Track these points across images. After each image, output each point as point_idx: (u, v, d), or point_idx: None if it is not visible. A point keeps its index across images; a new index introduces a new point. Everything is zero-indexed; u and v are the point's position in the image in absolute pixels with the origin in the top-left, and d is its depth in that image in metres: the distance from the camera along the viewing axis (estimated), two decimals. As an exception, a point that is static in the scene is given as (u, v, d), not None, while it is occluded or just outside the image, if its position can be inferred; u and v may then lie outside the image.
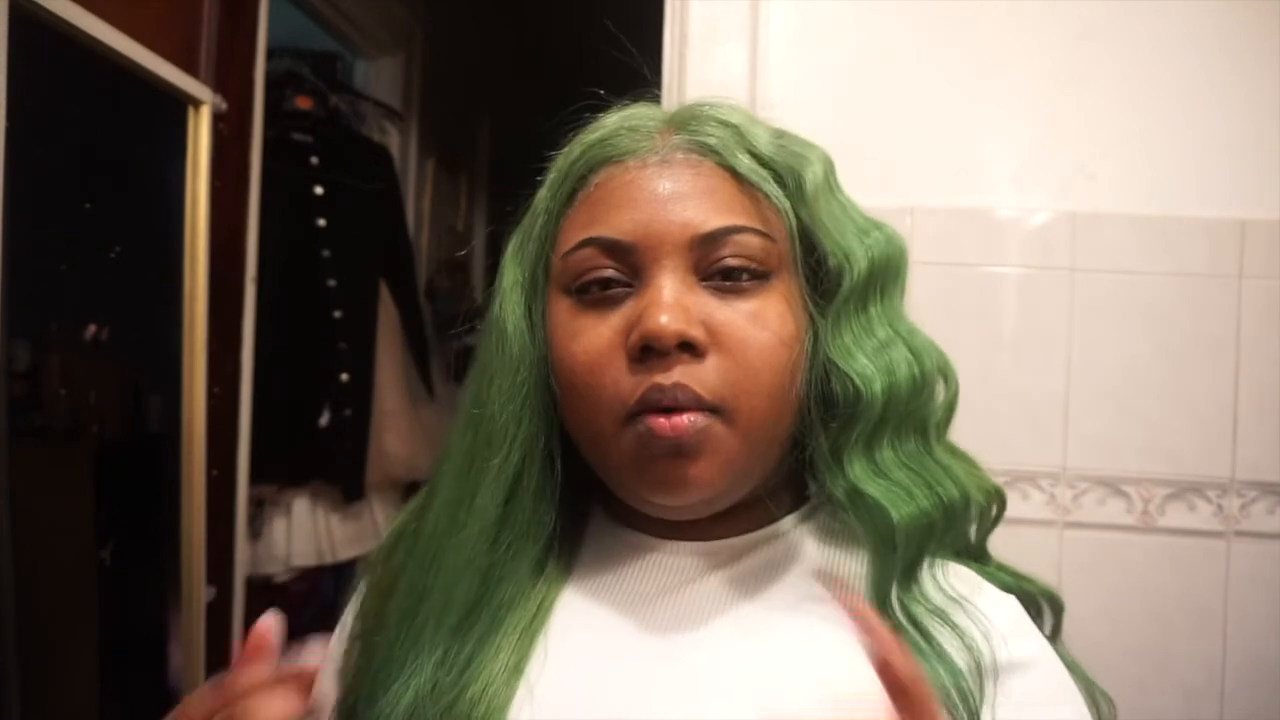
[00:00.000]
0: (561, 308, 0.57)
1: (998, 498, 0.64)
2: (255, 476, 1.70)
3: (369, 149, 2.26)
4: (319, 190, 2.04)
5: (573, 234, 0.57)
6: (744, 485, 0.57)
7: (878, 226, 0.60)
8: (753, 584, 0.58)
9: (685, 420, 0.52)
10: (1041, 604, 0.65)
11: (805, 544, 0.61)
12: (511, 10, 2.75)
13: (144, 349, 1.44)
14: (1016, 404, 1.20)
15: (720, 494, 0.55)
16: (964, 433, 1.19)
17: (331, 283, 2.04)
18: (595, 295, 0.56)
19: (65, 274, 1.25)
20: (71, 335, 1.26)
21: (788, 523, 0.61)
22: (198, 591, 1.49)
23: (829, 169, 0.60)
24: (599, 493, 0.62)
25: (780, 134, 0.61)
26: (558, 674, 0.56)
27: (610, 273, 0.56)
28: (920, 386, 0.57)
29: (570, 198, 0.59)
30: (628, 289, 0.56)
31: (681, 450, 0.53)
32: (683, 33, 1.25)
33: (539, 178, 0.62)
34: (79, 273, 1.28)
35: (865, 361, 0.56)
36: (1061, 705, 0.57)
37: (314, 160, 2.04)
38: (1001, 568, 0.65)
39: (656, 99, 0.64)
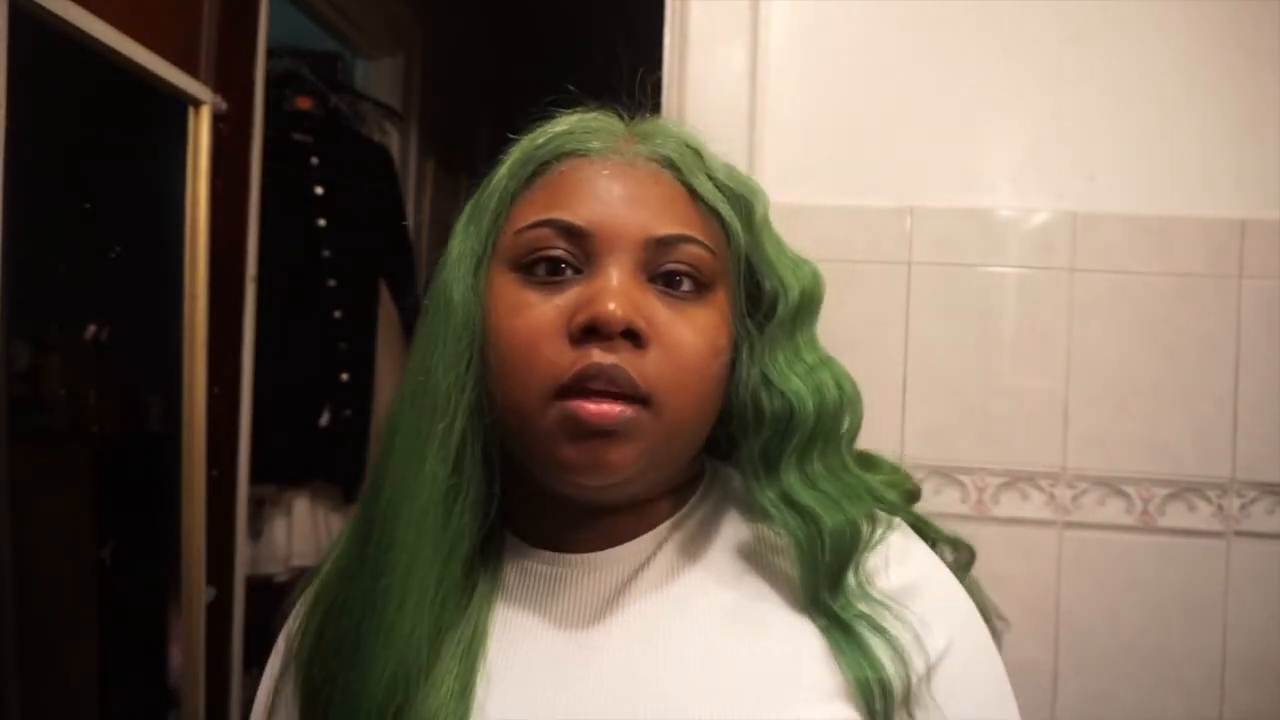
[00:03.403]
0: (506, 281, 0.59)
1: (914, 498, 0.70)
2: (255, 476, 1.70)
3: (369, 149, 2.26)
4: (319, 190, 2.04)
5: (530, 213, 0.59)
6: (658, 473, 0.60)
7: (806, 262, 0.65)
8: (671, 576, 0.62)
9: (614, 410, 0.55)
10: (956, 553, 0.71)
11: (710, 523, 0.65)
12: (512, 10, 2.75)
13: (144, 349, 1.44)
14: (1016, 404, 1.21)
15: (635, 478, 0.58)
16: (964, 432, 1.20)
17: (331, 283, 2.04)
18: (541, 275, 0.58)
19: (65, 274, 1.25)
20: (71, 335, 1.26)
21: (688, 508, 0.65)
22: (198, 591, 1.49)
23: (768, 205, 0.65)
24: (506, 512, 0.64)
25: (730, 165, 0.65)
26: (503, 698, 0.58)
27: (561, 253, 0.58)
28: (842, 407, 0.63)
29: (529, 181, 0.61)
30: (576, 274, 0.58)
31: (605, 433, 0.55)
32: (683, 33, 1.25)
33: (499, 157, 0.64)
34: (79, 273, 1.28)
35: (798, 382, 0.61)
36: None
37: (314, 160, 2.04)
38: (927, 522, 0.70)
39: (622, 109, 0.66)
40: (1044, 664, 1.19)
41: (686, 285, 0.59)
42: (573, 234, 0.58)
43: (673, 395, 0.56)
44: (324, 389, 2.02)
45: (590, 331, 0.55)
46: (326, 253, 2.04)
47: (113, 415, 1.34)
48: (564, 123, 0.63)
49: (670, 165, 0.61)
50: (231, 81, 1.55)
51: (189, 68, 1.45)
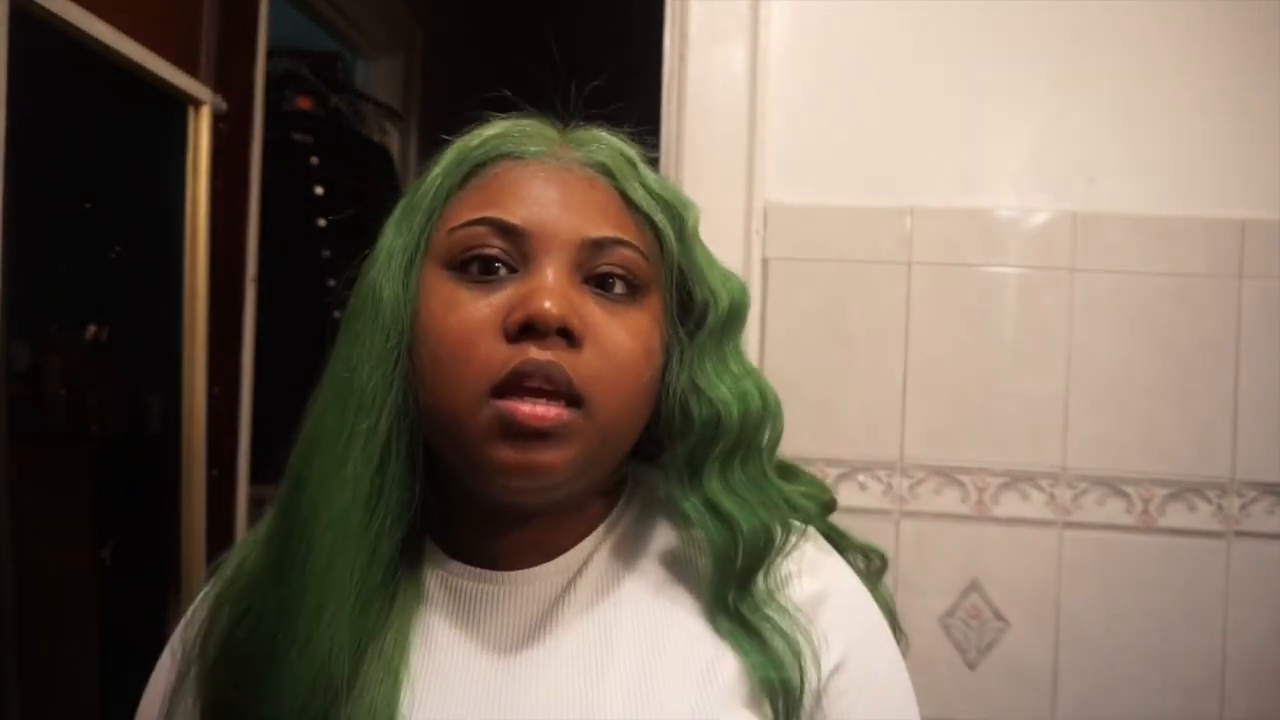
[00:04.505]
0: (438, 280, 0.59)
1: (829, 508, 0.71)
2: (255, 476, 1.70)
3: (369, 149, 2.26)
4: (319, 190, 2.04)
5: (464, 212, 0.59)
6: (588, 476, 0.60)
7: (734, 275, 0.66)
8: (600, 588, 0.62)
9: (549, 412, 0.54)
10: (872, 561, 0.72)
11: (637, 527, 0.65)
12: (512, 10, 2.75)
13: (144, 349, 1.44)
14: (1016, 404, 1.21)
15: (567, 480, 0.58)
16: (964, 432, 1.20)
17: (331, 283, 2.03)
18: (475, 274, 0.58)
19: (65, 274, 1.25)
20: (71, 335, 1.26)
21: (616, 513, 0.66)
22: (198, 591, 1.48)
23: (699, 216, 0.65)
24: (428, 518, 0.63)
25: (662, 177, 0.66)
26: (432, 716, 0.57)
27: (496, 252, 0.58)
28: (765, 417, 0.63)
29: (464, 180, 0.61)
30: (510, 273, 0.58)
31: (539, 435, 0.55)
32: (683, 33, 1.25)
33: (431, 159, 0.64)
34: (79, 273, 1.28)
35: (725, 390, 0.61)
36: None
37: (314, 160, 2.04)
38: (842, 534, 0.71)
39: (556, 118, 0.66)
40: (1044, 664, 1.19)
41: (619, 288, 0.59)
42: (508, 233, 0.58)
43: (607, 396, 0.57)
44: (324, 389, 2.01)
45: (526, 329, 0.55)
46: (326, 253, 2.04)
47: (113, 415, 1.34)
48: (498, 126, 0.63)
49: (605, 171, 0.61)
50: (231, 81, 1.55)
51: (189, 68, 1.45)
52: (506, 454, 0.55)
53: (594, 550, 0.63)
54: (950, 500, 1.21)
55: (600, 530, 0.64)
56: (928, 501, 1.21)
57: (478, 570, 0.62)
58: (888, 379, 1.22)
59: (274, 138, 1.78)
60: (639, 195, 0.61)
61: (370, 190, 2.18)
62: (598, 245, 0.58)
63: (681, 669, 0.58)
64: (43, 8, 1.10)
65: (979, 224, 1.22)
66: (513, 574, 0.62)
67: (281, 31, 1.89)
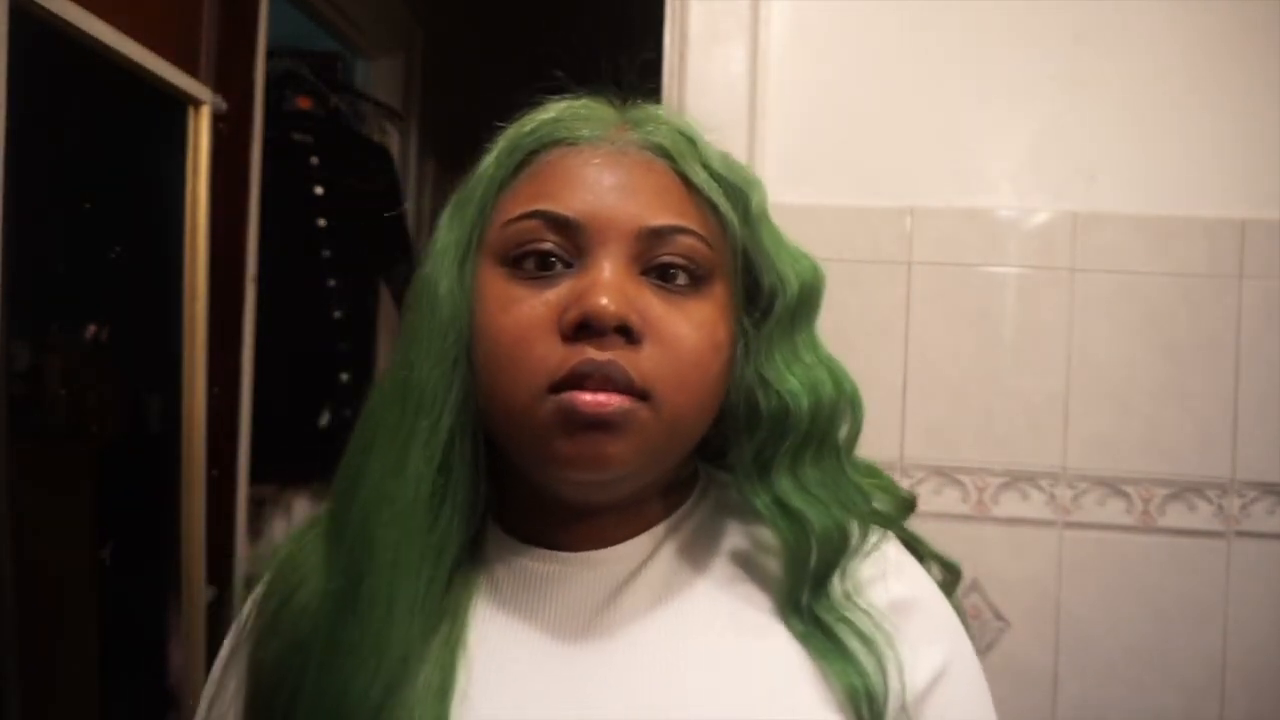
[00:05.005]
0: (493, 276, 0.56)
1: (910, 507, 0.67)
2: (255, 476, 1.70)
3: (369, 149, 2.26)
4: (319, 190, 2.04)
5: (517, 205, 0.57)
6: (654, 470, 0.58)
7: (806, 255, 0.63)
8: (668, 579, 0.60)
9: (612, 401, 0.52)
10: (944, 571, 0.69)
11: (707, 526, 0.63)
12: (512, 10, 2.75)
13: (144, 349, 1.44)
14: (1016, 404, 1.21)
15: (632, 474, 0.55)
16: (964, 432, 1.20)
17: (331, 283, 2.04)
18: (530, 270, 0.56)
19: (65, 274, 1.25)
20: (71, 335, 1.26)
21: (684, 510, 0.63)
22: (198, 591, 1.49)
23: (766, 196, 0.62)
24: (493, 508, 0.62)
25: (727, 155, 0.62)
26: (488, 695, 0.56)
27: (551, 247, 0.55)
28: (839, 408, 0.60)
29: (516, 170, 0.59)
30: (566, 268, 0.55)
31: (603, 425, 0.52)
32: (683, 33, 1.25)
33: (486, 146, 0.61)
34: (79, 273, 1.28)
35: (795, 380, 0.58)
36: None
37: (314, 160, 2.04)
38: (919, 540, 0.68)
39: (611, 96, 0.63)
40: (1044, 664, 1.19)
41: (682, 279, 0.56)
42: (562, 226, 0.55)
43: (672, 392, 0.54)
44: (324, 389, 2.02)
45: (583, 328, 0.52)
46: (326, 253, 2.04)
47: (113, 415, 1.34)
48: (553, 110, 0.60)
49: (663, 153, 0.58)
50: (231, 81, 1.55)
51: (189, 68, 1.45)
52: (570, 447, 0.53)
53: (662, 540, 0.61)
54: (950, 500, 1.21)
55: (667, 524, 0.62)
56: (927, 501, 1.21)
57: (543, 551, 0.60)
58: (888, 379, 1.22)
59: (274, 138, 1.78)
60: (700, 178, 0.58)
61: (370, 190, 2.18)
62: (657, 234, 0.55)
63: (762, 669, 0.56)
64: (43, 8, 1.09)
65: (979, 224, 1.22)
66: (579, 555, 0.60)
67: (281, 31, 1.88)
